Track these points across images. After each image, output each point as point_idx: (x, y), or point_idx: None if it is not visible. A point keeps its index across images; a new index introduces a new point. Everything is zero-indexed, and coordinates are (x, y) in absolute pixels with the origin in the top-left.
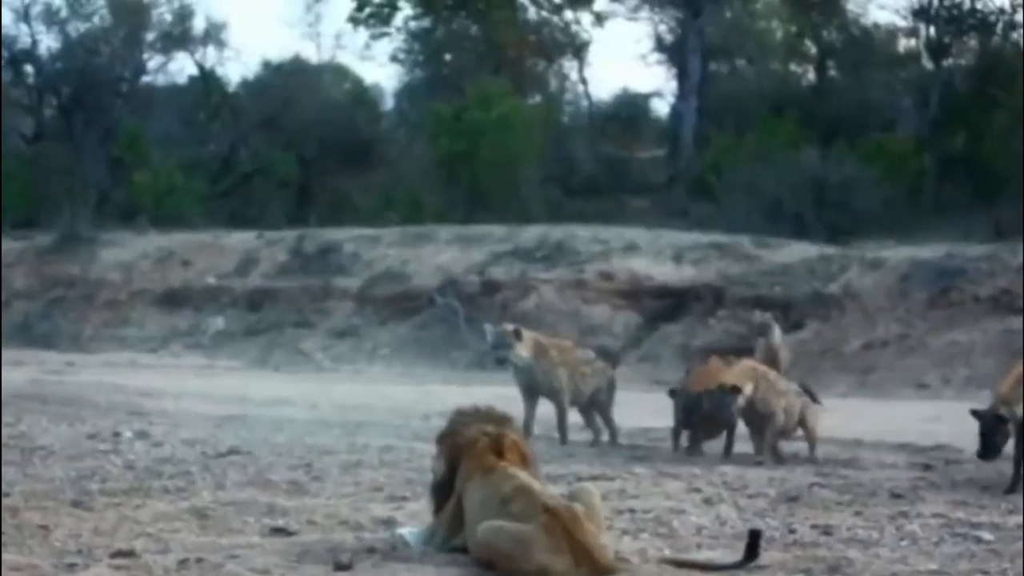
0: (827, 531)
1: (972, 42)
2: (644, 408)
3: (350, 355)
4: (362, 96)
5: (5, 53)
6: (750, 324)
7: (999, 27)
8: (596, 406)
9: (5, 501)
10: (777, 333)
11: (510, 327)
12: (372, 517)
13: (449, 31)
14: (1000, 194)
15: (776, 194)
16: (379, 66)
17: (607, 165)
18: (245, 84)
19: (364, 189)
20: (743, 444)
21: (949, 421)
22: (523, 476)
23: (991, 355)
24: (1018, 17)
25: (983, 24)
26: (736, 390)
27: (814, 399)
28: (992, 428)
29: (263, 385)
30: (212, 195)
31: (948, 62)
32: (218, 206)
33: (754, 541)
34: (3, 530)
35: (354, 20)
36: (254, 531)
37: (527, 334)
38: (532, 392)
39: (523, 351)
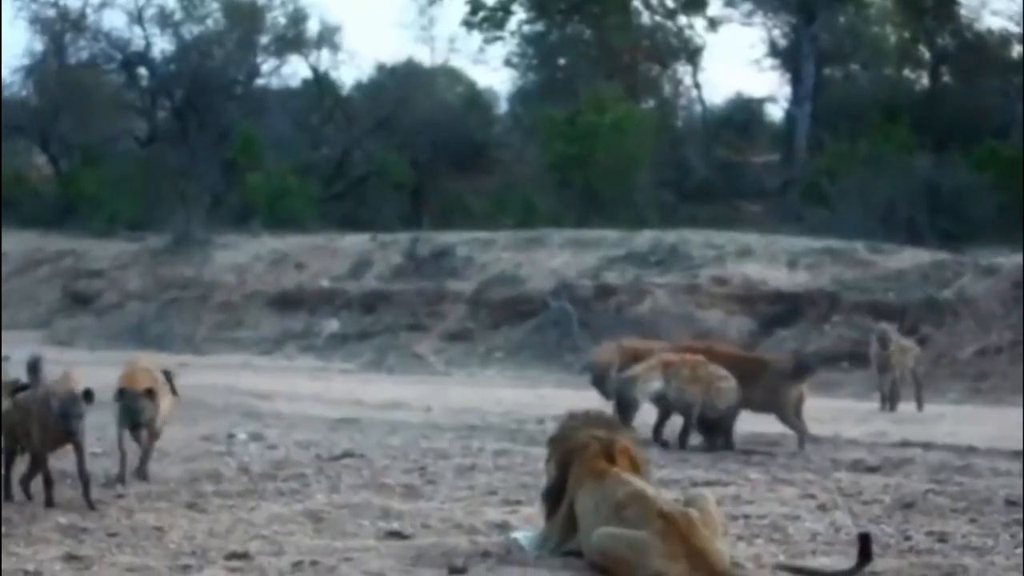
0: (942, 538)
1: None
2: (758, 414)
3: (464, 358)
4: (476, 99)
5: (119, 56)
6: (871, 332)
7: None
8: (723, 420)
9: (120, 502)
10: (893, 344)
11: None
12: (486, 521)
13: (563, 35)
14: None
15: (890, 200)
16: (492, 70)
17: (721, 170)
18: (359, 87)
19: (477, 192)
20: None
21: None
22: (637, 482)
23: None
24: None
25: None
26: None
27: None
28: None
29: (377, 388)
30: (325, 198)
31: None
32: (331, 209)
33: (865, 545)
34: (118, 531)
35: (468, 24)
36: (369, 534)
37: (651, 364)
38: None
39: (651, 384)
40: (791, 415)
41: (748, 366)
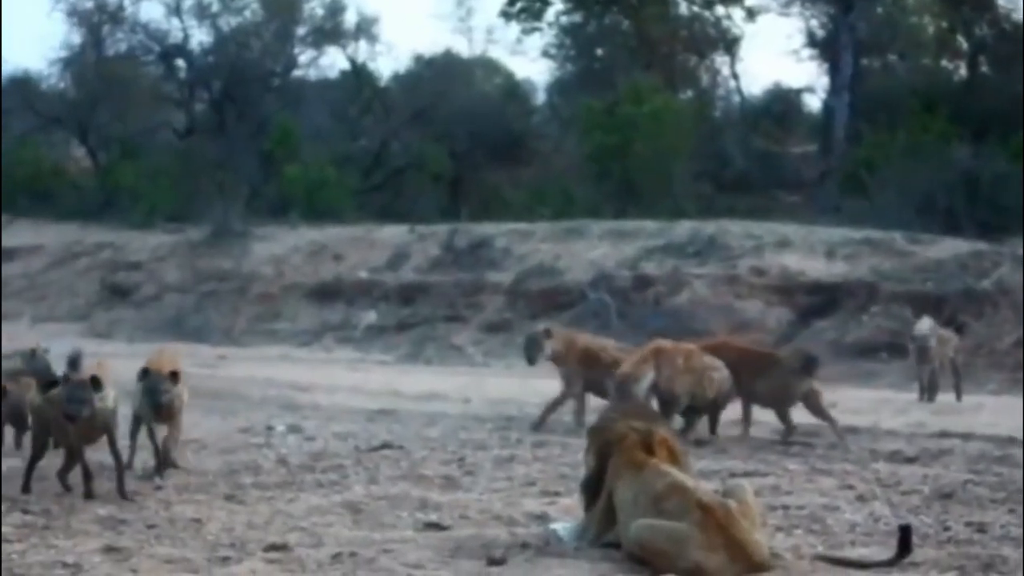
0: (981, 528)
1: None
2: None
3: (502, 349)
4: (513, 90)
5: (157, 48)
6: (913, 336)
7: None
8: (712, 408)
9: (159, 494)
10: (933, 342)
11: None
12: (525, 512)
13: (600, 26)
14: None
15: (928, 190)
16: (530, 61)
17: (759, 160)
18: (396, 78)
19: (516, 184)
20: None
21: None
22: (676, 473)
23: None
24: None
25: None
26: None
27: None
28: None
29: (415, 379)
30: (364, 189)
31: None
32: (370, 200)
33: (905, 537)
34: (157, 523)
35: (505, 15)
36: (407, 525)
37: (641, 357)
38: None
39: (645, 380)
40: (787, 410)
41: (759, 361)
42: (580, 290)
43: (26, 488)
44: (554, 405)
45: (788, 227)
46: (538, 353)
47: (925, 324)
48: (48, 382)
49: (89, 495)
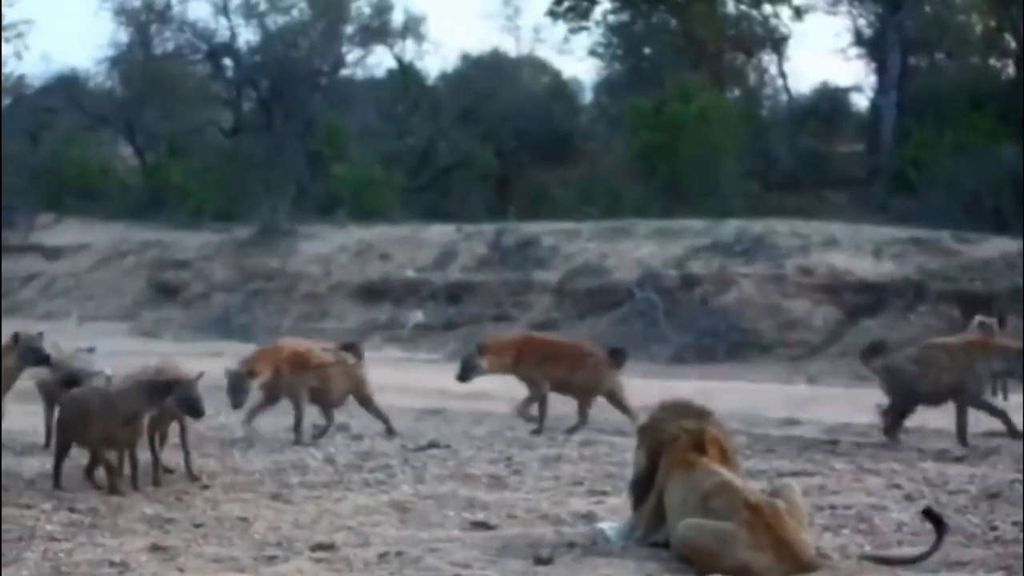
0: None
1: None
2: (845, 403)
3: None
4: (561, 89)
5: (204, 46)
6: (977, 323)
7: None
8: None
9: (205, 493)
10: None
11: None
12: (572, 512)
13: (648, 25)
14: None
15: (976, 189)
16: (578, 60)
17: (806, 159)
18: (444, 77)
19: (563, 183)
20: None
21: None
22: (724, 472)
23: None
24: None
25: None
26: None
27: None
28: None
29: None
30: (411, 188)
31: None
32: (417, 199)
33: (934, 519)
34: (204, 521)
35: (553, 14)
36: (454, 525)
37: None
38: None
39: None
40: (589, 402)
41: (569, 353)
42: (627, 289)
43: (56, 484)
44: (297, 422)
45: (835, 226)
46: (243, 396)
47: (976, 321)
48: (69, 380)
49: (134, 487)
